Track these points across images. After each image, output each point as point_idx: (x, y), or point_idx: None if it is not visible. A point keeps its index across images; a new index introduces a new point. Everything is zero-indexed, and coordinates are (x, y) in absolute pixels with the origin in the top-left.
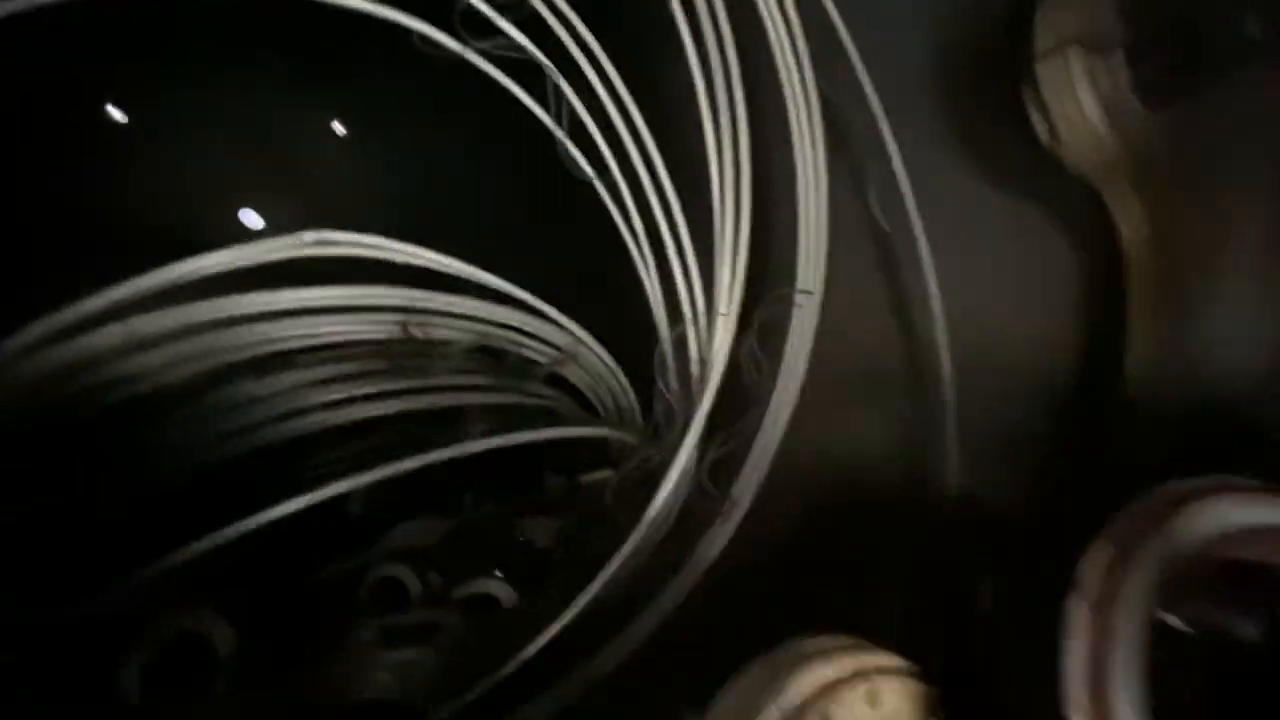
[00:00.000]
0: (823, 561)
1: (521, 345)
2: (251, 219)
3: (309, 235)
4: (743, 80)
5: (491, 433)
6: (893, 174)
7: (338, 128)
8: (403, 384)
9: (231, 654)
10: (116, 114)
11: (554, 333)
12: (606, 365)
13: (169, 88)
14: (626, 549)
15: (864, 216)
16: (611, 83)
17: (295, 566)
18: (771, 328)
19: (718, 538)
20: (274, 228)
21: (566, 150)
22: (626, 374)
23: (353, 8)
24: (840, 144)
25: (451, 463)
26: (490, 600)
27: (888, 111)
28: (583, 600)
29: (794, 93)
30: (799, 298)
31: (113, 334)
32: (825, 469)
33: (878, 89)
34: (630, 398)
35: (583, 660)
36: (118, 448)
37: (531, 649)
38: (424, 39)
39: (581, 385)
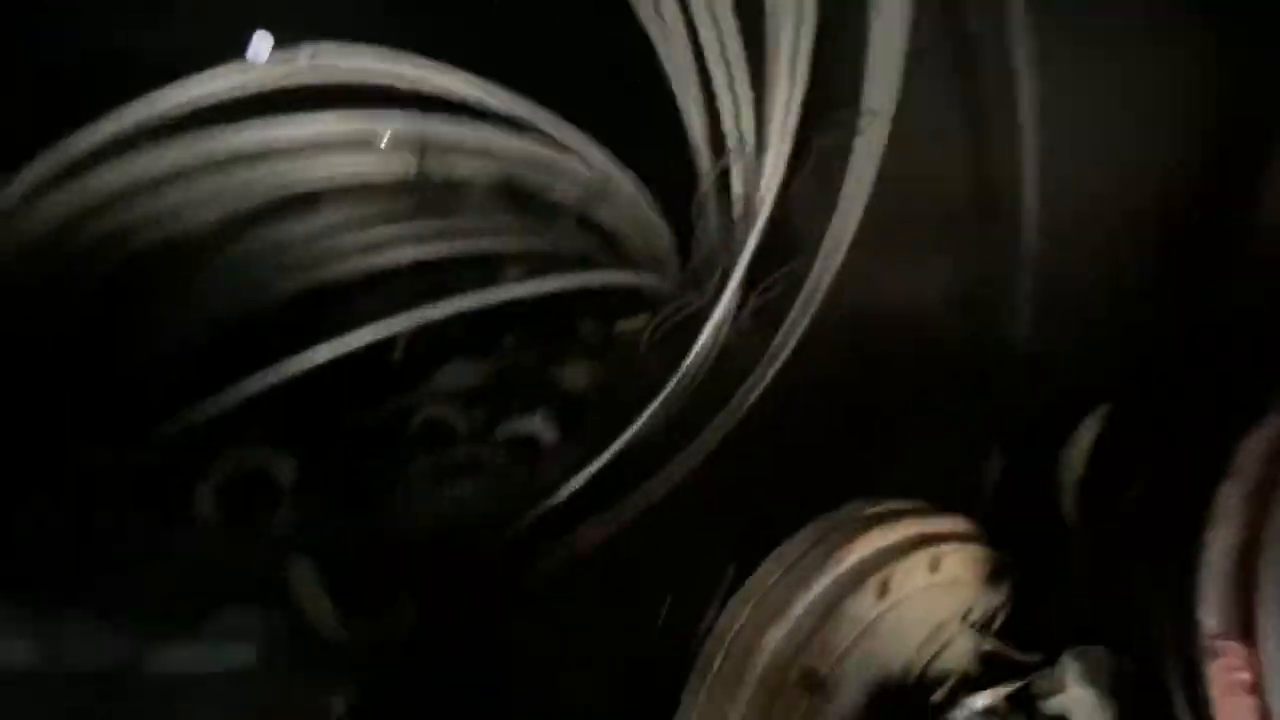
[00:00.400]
0: (871, 416)
1: (548, 182)
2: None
3: (305, 54)
4: None
5: (525, 278)
6: None
7: None
8: (431, 227)
9: (293, 487)
10: None
11: (583, 168)
12: (641, 204)
13: None
14: (664, 394)
15: (946, 21)
16: None
17: (345, 409)
18: (829, 158)
19: (757, 385)
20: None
21: None
22: (664, 212)
23: None
24: None
25: (488, 307)
26: (531, 440)
27: None
28: (620, 442)
29: None
30: (864, 120)
31: (114, 173)
32: (879, 318)
33: None
34: (667, 239)
35: (622, 500)
36: (146, 297)
37: (571, 487)
38: None
39: (613, 227)
